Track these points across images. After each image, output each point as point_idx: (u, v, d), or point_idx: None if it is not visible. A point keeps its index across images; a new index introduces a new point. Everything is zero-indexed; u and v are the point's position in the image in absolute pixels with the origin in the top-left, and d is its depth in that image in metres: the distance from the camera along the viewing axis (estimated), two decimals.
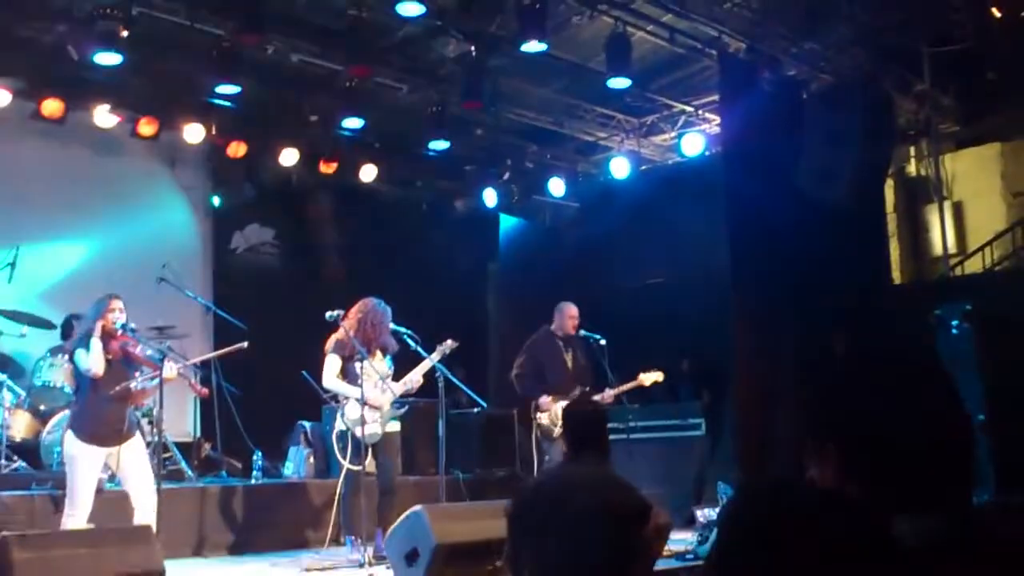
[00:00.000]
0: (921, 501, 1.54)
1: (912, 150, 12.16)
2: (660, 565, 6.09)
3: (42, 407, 8.44)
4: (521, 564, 3.68)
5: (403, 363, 7.69)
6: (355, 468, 7.20)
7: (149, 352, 6.44)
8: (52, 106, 9.40)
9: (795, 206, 9.09)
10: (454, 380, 7.69)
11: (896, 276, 11.59)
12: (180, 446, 9.24)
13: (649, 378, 8.51)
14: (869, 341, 8.04)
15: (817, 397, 1.68)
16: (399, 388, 7.44)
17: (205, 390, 7.24)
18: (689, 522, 8.60)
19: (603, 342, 8.49)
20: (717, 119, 10.67)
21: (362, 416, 7.11)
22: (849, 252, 9.41)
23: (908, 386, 1.59)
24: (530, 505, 3.66)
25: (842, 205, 9.36)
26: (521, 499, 3.80)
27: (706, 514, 7.97)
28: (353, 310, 7.42)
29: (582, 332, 8.63)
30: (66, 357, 7.39)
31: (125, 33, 8.00)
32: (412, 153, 11.74)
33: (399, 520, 6.51)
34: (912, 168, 12.29)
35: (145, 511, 6.15)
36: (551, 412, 8.31)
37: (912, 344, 8.70)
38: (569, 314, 8.63)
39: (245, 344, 6.95)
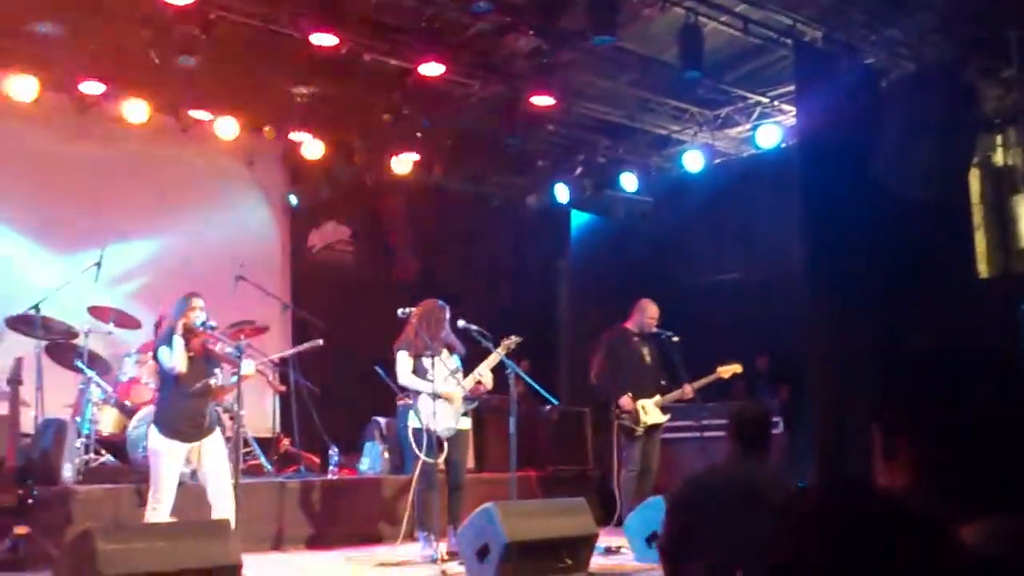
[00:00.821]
0: (1000, 504, 1.49)
1: (999, 138, 11.78)
2: None
3: (128, 403, 8.67)
4: (686, 553, 3.93)
5: (474, 363, 7.74)
6: (431, 461, 7.28)
7: (229, 349, 6.58)
8: (136, 108, 9.67)
9: (874, 198, 8.89)
10: (524, 377, 7.72)
11: (982, 269, 11.26)
12: (259, 441, 9.42)
13: (727, 370, 8.45)
14: (952, 336, 7.85)
15: (890, 393, 1.64)
16: (468, 382, 7.51)
17: (283, 387, 7.38)
18: None
19: (676, 339, 8.43)
20: (793, 110, 10.49)
21: (435, 412, 7.18)
22: (932, 245, 9.18)
23: (991, 383, 1.55)
24: (706, 499, 4.00)
25: (924, 197, 9.13)
26: (692, 493, 4.10)
27: None
28: (416, 310, 7.52)
29: (655, 329, 8.59)
30: (150, 354, 7.58)
31: (204, 36, 8.19)
32: (484, 150, 11.77)
33: (470, 517, 6.57)
34: (999, 157, 11.90)
35: (222, 506, 6.29)
36: (633, 412, 8.29)
37: (997, 339, 8.46)
38: (651, 313, 8.59)
39: (321, 341, 7.06)
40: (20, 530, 6.51)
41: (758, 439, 4.33)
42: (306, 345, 7.30)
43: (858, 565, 1.35)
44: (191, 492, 6.90)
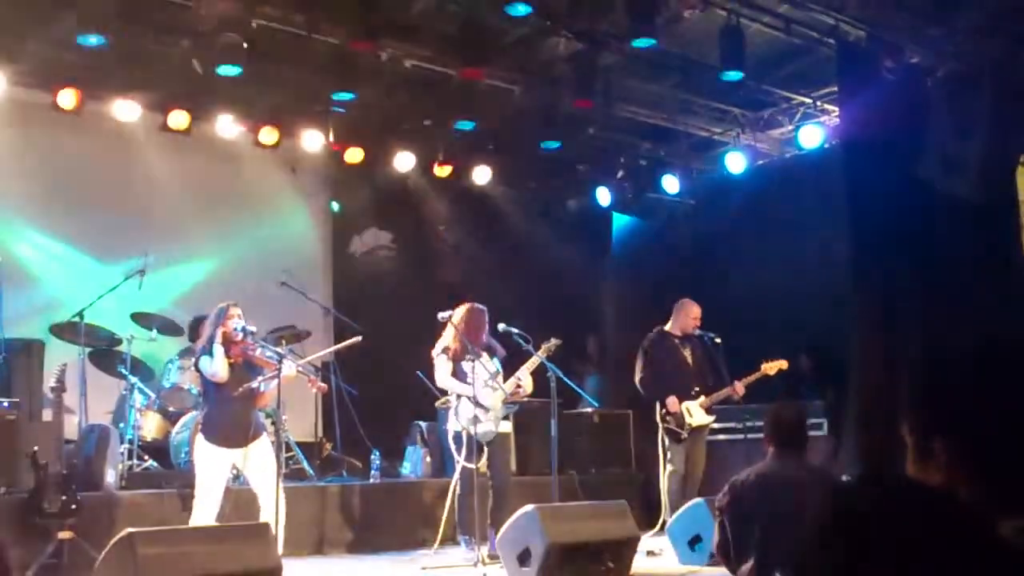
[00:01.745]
0: None
1: None
2: None
3: (171, 408, 8.77)
4: (741, 552, 4.26)
5: (516, 366, 7.72)
6: (470, 466, 7.26)
7: (268, 354, 6.62)
8: (178, 118, 9.78)
9: (919, 198, 8.77)
10: (566, 380, 7.69)
11: None
12: (302, 446, 9.48)
13: (773, 366, 8.35)
14: (999, 336, 7.69)
15: (926, 393, 1.62)
16: (509, 386, 7.49)
17: (324, 385, 7.41)
18: None
19: (719, 340, 8.35)
20: (836, 110, 10.38)
21: (475, 416, 7.17)
22: (978, 245, 9.02)
23: None
24: (754, 503, 4.22)
25: (970, 197, 8.98)
26: (742, 494, 4.31)
27: None
28: (455, 314, 7.52)
29: (698, 331, 8.52)
30: (192, 362, 7.65)
31: (245, 45, 8.26)
32: (525, 154, 11.76)
33: (512, 520, 6.54)
34: None
35: (269, 510, 6.31)
36: (678, 414, 8.23)
37: None
38: (692, 313, 8.54)
39: (360, 338, 7.09)
40: (64, 535, 6.58)
41: (796, 440, 4.49)
42: (347, 342, 7.34)
43: (905, 560, 1.33)
44: (237, 496, 6.95)
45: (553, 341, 7.53)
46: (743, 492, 4.38)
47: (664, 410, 8.35)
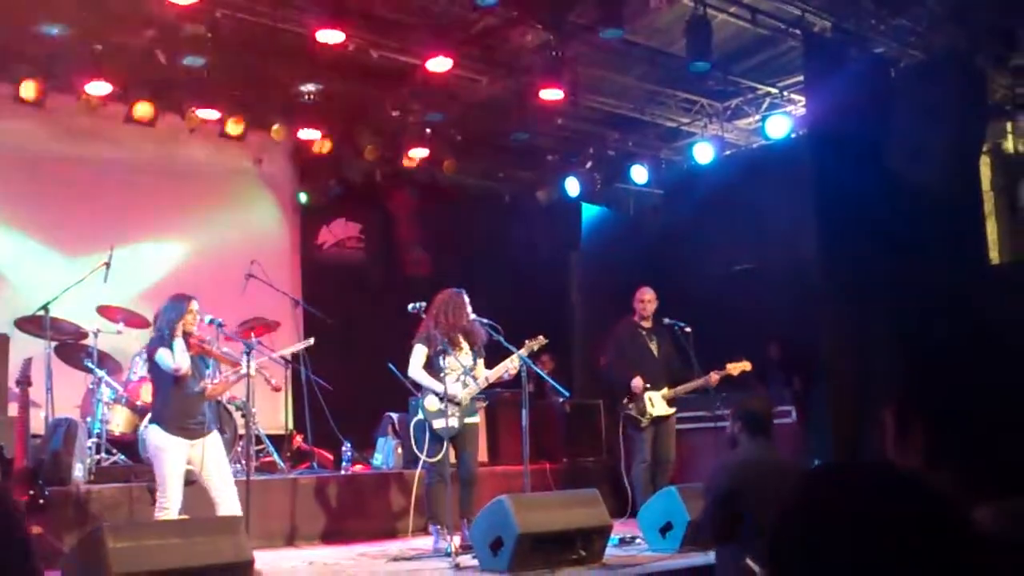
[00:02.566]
0: (1012, 487, 1.48)
1: (1009, 126, 11.72)
2: None
3: (139, 402, 8.67)
4: (725, 534, 4.62)
5: (490, 353, 7.71)
6: (431, 460, 7.26)
7: (225, 349, 6.60)
8: (143, 109, 9.68)
9: (885, 187, 8.85)
10: (538, 371, 7.69)
11: (994, 256, 11.20)
12: (272, 438, 9.43)
13: (736, 368, 8.35)
14: (966, 323, 7.79)
15: (906, 378, 1.64)
16: (482, 383, 7.47)
17: (280, 385, 7.40)
18: None
19: (688, 329, 8.40)
20: (803, 100, 10.45)
21: (441, 409, 7.16)
22: (944, 233, 9.12)
23: (1003, 366, 1.54)
24: (745, 486, 4.54)
25: (935, 185, 9.08)
26: (729, 479, 4.64)
27: None
28: (432, 303, 7.49)
29: (666, 320, 8.55)
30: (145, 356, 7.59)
31: (210, 35, 8.18)
32: (493, 144, 11.76)
33: (483, 509, 6.55)
34: (1009, 144, 11.84)
35: (227, 503, 6.29)
36: (641, 396, 8.26)
37: (1010, 324, 8.39)
38: (639, 297, 8.59)
39: (312, 341, 7.08)
40: (32, 530, 6.51)
41: (766, 428, 4.85)
42: (298, 345, 7.34)
43: (881, 543, 1.34)
44: (200, 491, 6.90)
45: (539, 339, 7.46)
46: (738, 477, 4.66)
47: (626, 398, 8.39)
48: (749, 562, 4.52)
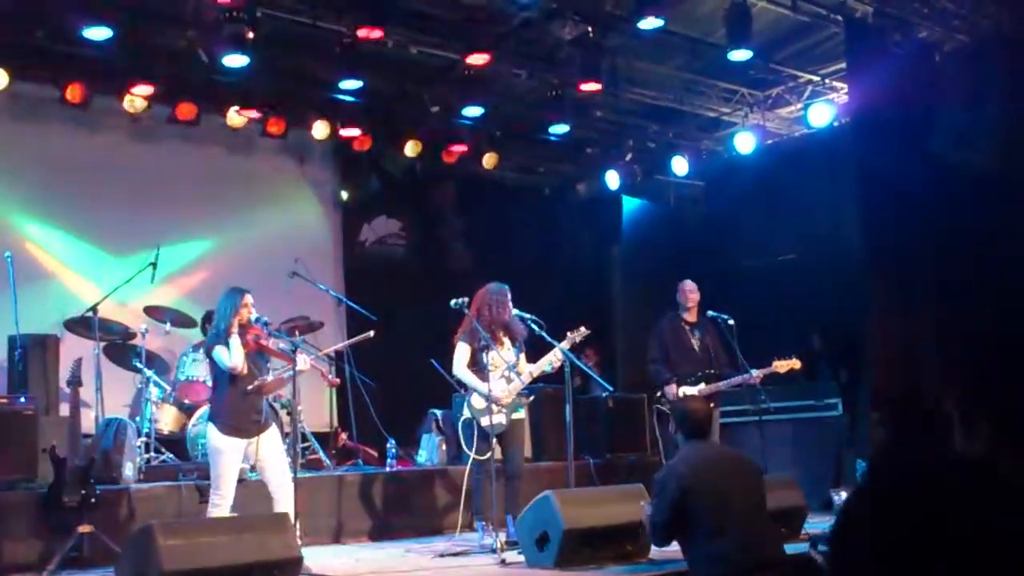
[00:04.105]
0: None
1: None
2: (795, 549, 5.92)
3: (186, 401, 8.78)
4: (673, 530, 5.09)
5: (530, 348, 7.70)
6: (480, 458, 7.26)
7: (281, 345, 6.61)
8: (186, 109, 9.78)
9: (931, 174, 8.72)
10: (581, 365, 7.66)
11: None
12: (318, 436, 9.50)
13: (785, 365, 8.17)
14: (1015, 312, 7.65)
15: (971, 368, 1.61)
16: (526, 379, 7.46)
17: (337, 380, 7.40)
18: (826, 505, 8.38)
19: (731, 322, 8.33)
20: (845, 87, 10.32)
21: (488, 406, 7.16)
22: (990, 219, 8.97)
23: None
24: (691, 483, 4.97)
25: (982, 171, 8.93)
26: (677, 481, 5.01)
27: (844, 496, 7.75)
28: (474, 299, 7.49)
29: (710, 313, 8.48)
30: (203, 353, 7.65)
31: (251, 35, 8.23)
32: (533, 139, 11.73)
33: (529, 505, 6.55)
34: None
35: (283, 500, 6.33)
36: (675, 399, 8.20)
37: None
38: (683, 290, 8.52)
39: (372, 333, 7.04)
40: (84, 528, 6.61)
41: (702, 428, 5.42)
42: (358, 338, 7.30)
43: (946, 530, 1.31)
44: (251, 488, 6.97)
45: (581, 330, 7.41)
46: (683, 475, 5.05)
47: (659, 393, 8.36)
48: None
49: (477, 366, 7.38)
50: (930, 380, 8.20)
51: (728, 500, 4.97)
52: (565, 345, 7.36)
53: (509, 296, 7.54)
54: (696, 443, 5.36)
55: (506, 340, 7.53)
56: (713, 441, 5.47)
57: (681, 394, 8.21)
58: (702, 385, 8.30)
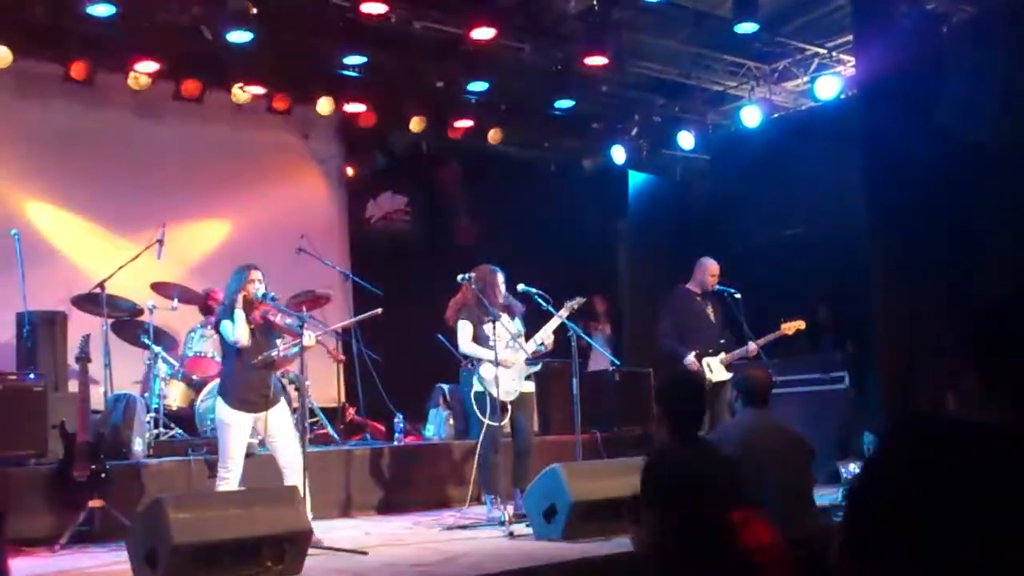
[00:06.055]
0: None
1: None
2: None
3: (195, 376, 8.82)
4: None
5: (536, 324, 7.73)
6: (495, 424, 7.30)
7: (289, 321, 6.63)
8: (190, 86, 9.77)
9: (937, 146, 8.68)
10: (587, 338, 7.69)
11: None
12: (325, 411, 9.53)
13: (791, 327, 8.30)
14: (1020, 283, 7.64)
15: (991, 342, 1.60)
16: (530, 346, 7.50)
17: (342, 356, 7.42)
18: (833, 478, 8.40)
19: (738, 296, 8.33)
20: (852, 60, 10.26)
21: (496, 376, 7.19)
22: (998, 192, 8.94)
23: None
24: (743, 448, 4.88)
25: (988, 142, 8.89)
26: (731, 446, 4.90)
27: (851, 469, 7.77)
28: (474, 276, 7.53)
29: (717, 287, 8.49)
30: (211, 328, 7.69)
31: (255, 10, 8.21)
32: (538, 113, 11.69)
33: (536, 478, 6.59)
34: None
35: (292, 474, 6.37)
36: (699, 371, 8.21)
37: None
38: (711, 271, 8.49)
39: (380, 310, 7.06)
40: (94, 503, 6.66)
41: (763, 398, 5.30)
42: (365, 315, 7.33)
43: (966, 497, 1.30)
44: (260, 462, 7.01)
45: (577, 299, 7.52)
46: (736, 440, 5.00)
47: (684, 368, 8.35)
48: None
49: (479, 340, 7.43)
50: (938, 354, 8.20)
51: (766, 472, 4.87)
52: (564, 313, 7.41)
53: (501, 279, 7.58)
54: (753, 410, 5.27)
55: (504, 314, 7.56)
56: (770, 412, 5.33)
57: (705, 364, 8.22)
58: (723, 355, 8.32)
